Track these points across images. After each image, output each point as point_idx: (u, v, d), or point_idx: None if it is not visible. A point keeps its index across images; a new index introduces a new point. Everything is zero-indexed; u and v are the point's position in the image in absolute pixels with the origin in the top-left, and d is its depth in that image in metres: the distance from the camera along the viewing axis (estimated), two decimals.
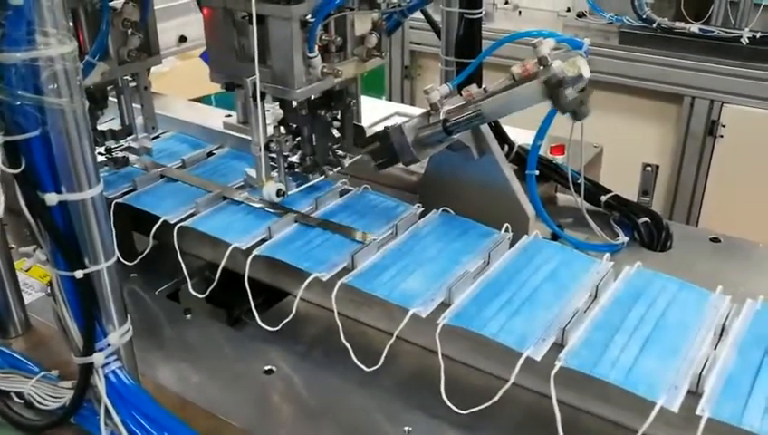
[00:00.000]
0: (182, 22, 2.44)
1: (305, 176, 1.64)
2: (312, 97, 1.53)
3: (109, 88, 1.73)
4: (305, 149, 1.61)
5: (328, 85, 1.50)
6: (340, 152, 1.66)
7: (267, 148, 1.52)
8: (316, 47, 1.42)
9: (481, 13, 1.72)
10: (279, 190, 1.52)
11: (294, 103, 1.53)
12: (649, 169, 3.22)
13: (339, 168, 1.66)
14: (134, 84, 1.74)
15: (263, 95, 1.44)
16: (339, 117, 1.64)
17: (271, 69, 1.44)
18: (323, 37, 1.46)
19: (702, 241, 1.66)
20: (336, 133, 1.66)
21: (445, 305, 1.29)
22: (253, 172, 1.56)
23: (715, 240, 1.65)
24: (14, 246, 1.44)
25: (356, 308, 1.41)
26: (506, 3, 3.82)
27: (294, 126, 1.59)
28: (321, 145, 1.62)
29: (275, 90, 1.46)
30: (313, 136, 1.61)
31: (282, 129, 1.58)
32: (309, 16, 1.39)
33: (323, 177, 1.64)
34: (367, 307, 1.39)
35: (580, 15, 3.49)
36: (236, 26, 1.49)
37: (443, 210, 1.58)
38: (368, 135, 1.51)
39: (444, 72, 1.80)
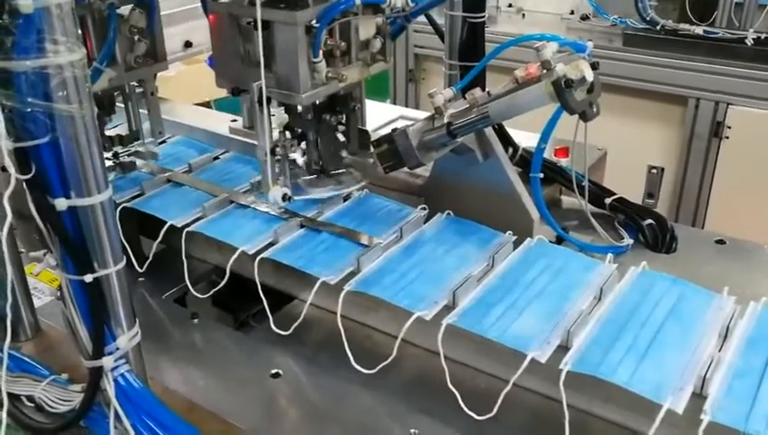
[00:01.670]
0: (188, 27, 2.45)
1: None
2: (317, 101, 1.54)
3: (116, 94, 1.74)
4: (310, 154, 1.62)
5: (333, 90, 1.51)
6: (345, 156, 1.67)
7: (273, 152, 1.53)
8: (321, 52, 1.43)
9: (484, 16, 1.73)
10: (285, 195, 1.53)
11: (299, 108, 1.54)
12: (654, 171, 3.22)
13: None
14: (141, 90, 1.76)
15: (268, 100, 1.46)
16: (344, 121, 1.65)
17: (276, 74, 1.46)
18: (328, 42, 1.47)
19: (707, 243, 1.66)
20: (341, 137, 1.67)
21: (449, 308, 1.30)
22: (258, 177, 1.58)
23: (720, 242, 1.65)
24: (23, 250, 1.45)
25: (363, 312, 1.41)
26: (510, 5, 3.83)
27: (300, 130, 1.60)
28: (326, 149, 1.63)
29: (281, 95, 1.47)
30: (318, 140, 1.62)
31: (287, 133, 1.59)
32: (314, 22, 1.40)
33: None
34: (373, 311, 1.40)
35: (584, 18, 3.49)
36: (242, 32, 1.50)
37: (447, 213, 1.59)
38: (373, 139, 1.52)
39: (448, 76, 1.80)
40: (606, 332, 1.22)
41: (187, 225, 1.57)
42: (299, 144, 1.61)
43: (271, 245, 1.51)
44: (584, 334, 1.21)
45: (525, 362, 1.15)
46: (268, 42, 1.42)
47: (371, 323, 1.42)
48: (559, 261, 1.43)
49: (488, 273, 1.40)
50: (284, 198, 1.53)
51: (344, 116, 1.65)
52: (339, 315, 1.32)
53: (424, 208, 1.61)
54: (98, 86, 1.57)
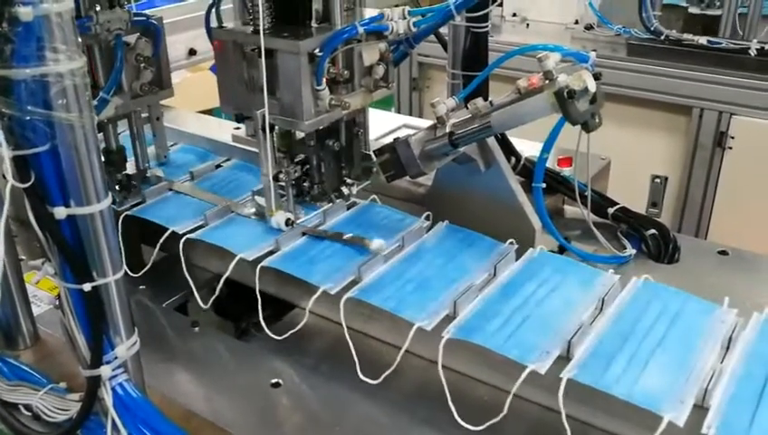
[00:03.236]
0: (192, 35, 2.46)
1: (313, 204, 1.65)
2: (320, 127, 1.54)
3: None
4: (313, 178, 1.62)
5: (336, 117, 1.51)
6: (348, 180, 1.67)
7: (276, 178, 1.53)
8: (324, 80, 1.43)
9: (487, 27, 1.73)
10: (288, 220, 1.54)
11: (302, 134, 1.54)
12: (658, 180, 3.21)
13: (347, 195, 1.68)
14: (146, 115, 1.78)
15: (272, 127, 1.46)
16: (346, 146, 1.65)
17: (280, 101, 1.46)
18: (331, 70, 1.47)
19: (710, 254, 1.65)
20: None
21: (450, 318, 1.29)
22: (262, 201, 1.58)
23: (722, 253, 1.65)
24: (23, 258, 1.46)
25: (364, 321, 1.41)
26: (514, 15, 3.83)
27: (303, 156, 1.60)
28: (329, 174, 1.63)
29: (284, 122, 1.48)
30: (321, 165, 1.62)
31: (290, 158, 1.59)
32: (317, 50, 1.41)
33: (331, 205, 1.65)
34: (374, 320, 1.40)
35: (588, 28, 3.49)
36: (246, 59, 1.51)
37: (448, 223, 1.58)
38: (375, 148, 1.52)
39: (450, 85, 1.80)
40: (607, 343, 1.21)
41: (188, 232, 1.57)
42: (301, 169, 1.61)
43: (272, 253, 1.50)
44: (585, 345, 1.20)
45: (524, 374, 1.14)
46: (272, 69, 1.43)
47: (373, 333, 1.42)
48: (560, 272, 1.42)
49: (489, 283, 1.39)
50: (287, 222, 1.54)
51: (347, 141, 1.64)
52: (344, 325, 1.31)
53: (428, 218, 1.60)
54: (104, 114, 1.58)
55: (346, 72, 1.51)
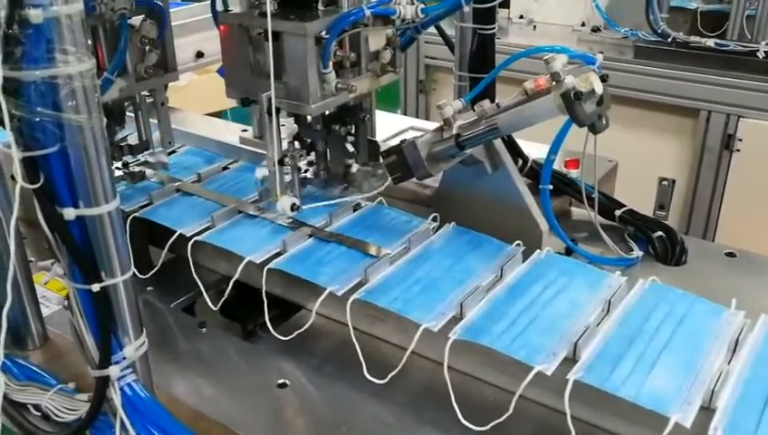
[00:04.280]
0: (199, 38, 2.48)
1: (319, 191, 1.65)
2: (327, 112, 1.55)
3: (126, 104, 1.75)
4: (319, 164, 1.62)
5: (342, 100, 1.51)
6: (354, 166, 1.67)
7: (282, 162, 1.53)
8: (330, 63, 1.43)
9: (494, 28, 1.73)
10: (293, 204, 1.54)
11: (309, 118, 1.54)
12: (665, 183, 3.21)
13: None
14: (151, 100, 1.77)
15: (278, 110, 1.46)
16: (353, 131, 1.65)
17: (286, 85, 1.46)
18: (338, 53, 1.47)
19: (717, 256, 1.65)
20: (350, 148, 1.67)
21: (456, 319, 1.29)
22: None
23: (730, 255, 1.64)
24: (33, 259, 1.46)
25: (370, 323, 1.41)
26: (521, 17, 3.83)
27: (309, 141, 1.60)
28: (335, 159, 1.63)
29: (290, 105, 1.48)
30: (327, 150, 1.61)
31: (296, 143, 1.59)
32: (323, 33, 1.41)
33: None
34: (380, 322, 1.40)
35: (595, 30, 3.49)
36: (252, 43, 1.51)
37: (454, 225, 1.58)
38: (383, 150, 1.52)
39: (457, 87, 1.81)
40: (613, 345, 1.21)
41: (196, 234, 1.57)
42: (308, 154, 1.61)
43: (279, 254, 1.51)
44: (591, 347, 1.20)
45: (531, 375, 1.14)
46: (278, 52, 1.43)
47: (379, 334, 1.42)
48: (567, 273, 1.42)
49: (496, 284, 1.39)
50: (293, 207, 1.54)
51: (353, 127, 1.64)
52: (351, 326, 1.32)
53: (434, 220, 1.60)
54: (108, 96, 1.58)
55: (353, 54, 1.51)
